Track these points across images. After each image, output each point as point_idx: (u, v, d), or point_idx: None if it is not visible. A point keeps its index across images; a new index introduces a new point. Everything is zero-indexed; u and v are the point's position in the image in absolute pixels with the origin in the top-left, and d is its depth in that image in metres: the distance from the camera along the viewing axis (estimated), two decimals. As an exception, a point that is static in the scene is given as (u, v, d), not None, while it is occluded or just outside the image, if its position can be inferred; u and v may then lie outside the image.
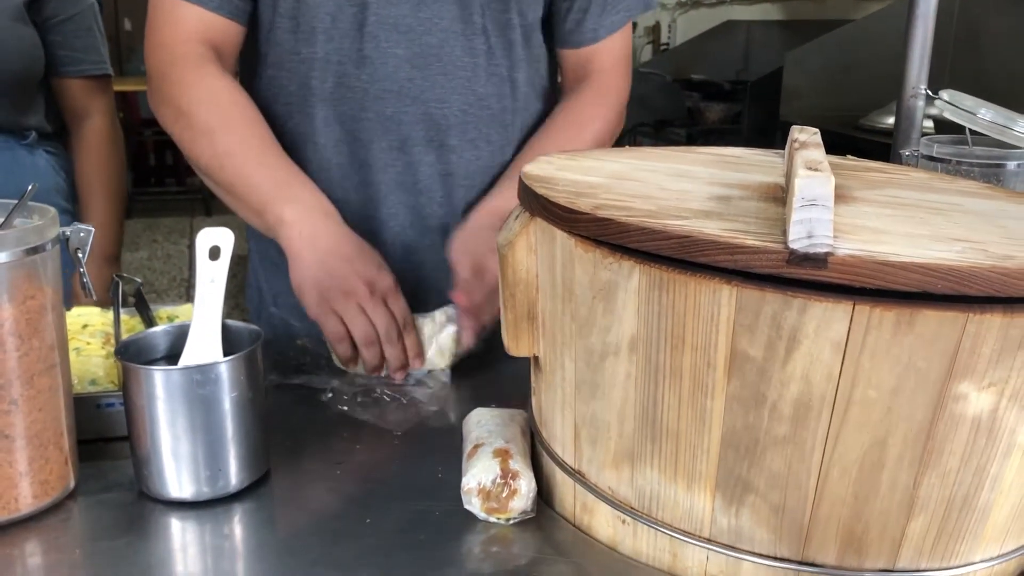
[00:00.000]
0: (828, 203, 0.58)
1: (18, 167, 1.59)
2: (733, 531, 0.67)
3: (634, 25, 5.01)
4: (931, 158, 1.16)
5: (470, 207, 1.24)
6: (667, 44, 5.17)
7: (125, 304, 1.00)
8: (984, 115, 1.15)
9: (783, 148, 0.85)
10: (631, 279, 0.65)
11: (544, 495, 0.80)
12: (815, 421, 0.61)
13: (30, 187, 0.76)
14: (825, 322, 0.59)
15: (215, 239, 0.82)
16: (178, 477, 0.78)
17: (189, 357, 0.82)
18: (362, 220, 1.26)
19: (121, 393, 0.80)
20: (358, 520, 0.77)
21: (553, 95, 1.33)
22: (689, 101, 3.91)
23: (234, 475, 0.80)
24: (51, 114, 1.68)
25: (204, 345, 0.82)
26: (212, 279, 0.82)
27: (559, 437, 0.78)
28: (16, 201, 0.77)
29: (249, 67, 1.27)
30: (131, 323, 1.02)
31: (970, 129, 1.17)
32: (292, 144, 1.25)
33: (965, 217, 0.72)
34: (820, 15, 4.08)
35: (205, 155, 1.13)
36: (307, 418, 0.98)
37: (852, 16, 3.64)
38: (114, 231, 1.72)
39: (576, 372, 0.73)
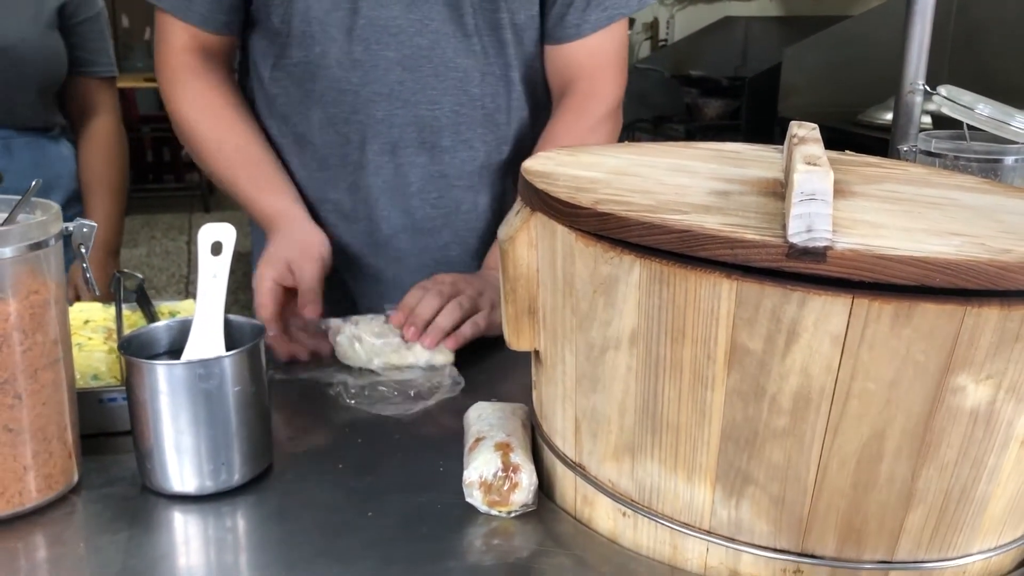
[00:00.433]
0: (827, 197, 0.59)
1: (47, 159, 1.68)
2: (733, 523, 0.68)
3: (632, 21, 4.97)
4: (929, 153, 1.17)
5: (464, 208, 1.25)
6: (665, 40, 5.17)
7: (127, 300, 1.01)
8: (982, 110, 1.15)
9: (782, 144, 0.85)
10: (631, 273, 0.65)
11: (545, 488, 0.81)
12: (814, 414, 0.62)
13: (33, 183, 0.76)
14: (824, 315, 0.59)
15: (217, 235, 0.83)
16: (181, 471, 0.79)
17: (192, 352, 0.83)
18: (356, 222, 1.27)
19: (124, 388, 0.81)
20: (360, 513, 0.78)
21: (549, 93, 1.33)
22: (687, 97, 3.91)
23: (237, 469, 0.80)
24: (63, 109, 1.76)
25: (207, 340, 0.83)
26: (214, 274, 0.83)
27: (560, 430, 0.78)
28: (19, 197, 0.77)
29: (247, 70, 1.28)
30: (133, 319, 1.02)
31: (968, 124, 1.18)
32: (290, 145, 1.26)
33: (963, 212, 0.72)
34: (818, 11, 4.09)
35: (208, 170, 1.24)
36: (309, 412, 0.99)
37: (850, 12, 3.64)
38: (118, 225, 1.79)
39: (577, 366, 0.73)
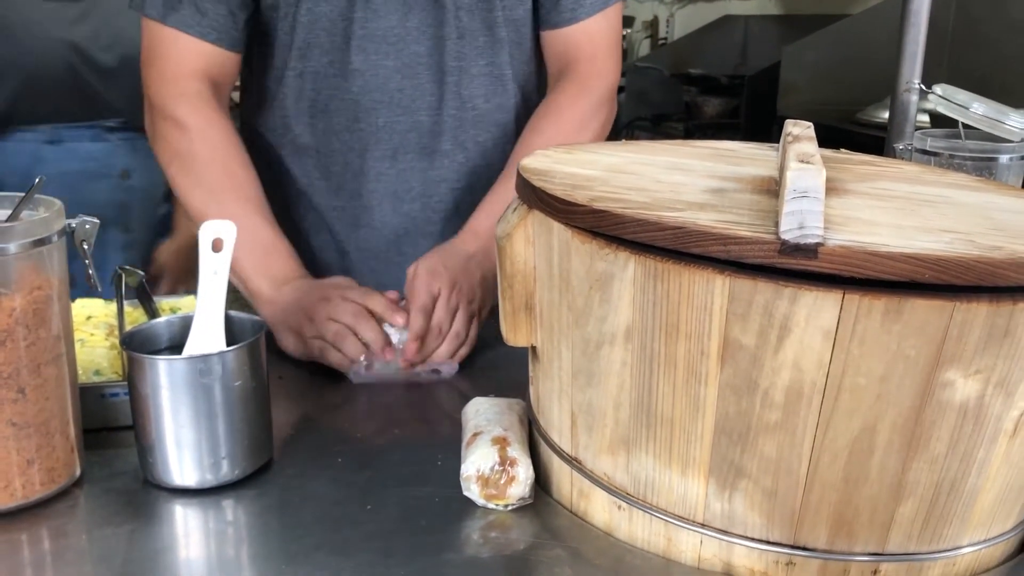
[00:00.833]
0: (819, 195, 0.60)
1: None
2: (726, 516, 0.69)
3: (632, 20, 4.96)
4: (924, 152, 1.18)
5: (463, 209, 1.26)
6: (665, 39, 5.18)
7: (128, 296, 1.02)
8: (976, 109, 1.16)
9: (780, 142, 0.86)
10: (627, 269, 0.66)
11: (542, 482, 0.82)
12: (806, 408, 0.63)
13: (37, 180, 0.77)
14: (816, 311, 0.60)
15: (218, 231, 0.83)
16: (182, 465, 0.80)
17: (193, 347, 0.84)
18: (357, 228, 1.28)
19: (126, 383, 0.81)
20: (359, 506, 0.78)
21: (542, 92, 1.33)
22: (687, 95, 3.91)
23: (237, 463, 0.81)
24: None
25: (207, 335, 0.84)
26: (215, 271, 0.84)
27: (556, 425, 0.79)
28: (23, 194, 0.78)
29: (251, 83, 1.29)
30: (134, 315, 1.03)
31: (963, 123, 1.19)
32: (292, 155, 1.27)
33: (954, 209, 0.73)
34: (817, 10, 4.09)
35: (195, 207, 1.16)
36: (309, 407, 1.00)
37: (849, 11, 3.64)
38: None
39: (573, 361, 0.74)
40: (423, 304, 1.03)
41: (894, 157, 1.23)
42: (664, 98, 4.03)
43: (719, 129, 3.68)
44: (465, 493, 0.78)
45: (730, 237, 0.61)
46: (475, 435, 0.81)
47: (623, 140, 1.05)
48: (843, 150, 0.98)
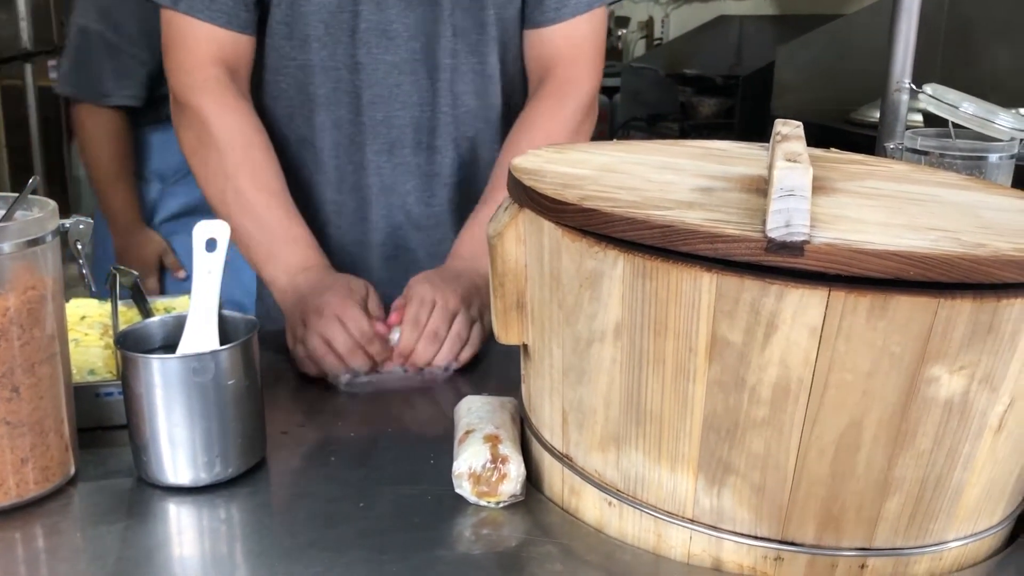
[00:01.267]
0: (806, 193, 0.60)
1: None
2: (715, 512, 0.69)
3: (627, 20, 4.96)
4: (915, 151, 1.18)
5: (452, 202, 1.26)
6: (660, 39, 5.19)
7: (122, 296, 1.02)
8: (966, 108, 1.17)
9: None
10: (616, 267, 0.67)
11: (533, 479, 0.82)
12: (793, 404, 0.63)
13: (31, 180, 0.78)
14: (802, 308, 0.61)
15: (211, 231, 0.84)
16: (176, 463, 0.80)
17: (186, 346, 0.84)
18: (356, 222, 1.29)
19: (120, 382, 0.82)
20: (352, 504, 0.79)
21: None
22: (682, 96, 3.91)
23: (231, 461, 0.82)
24: None
25: (201, 334, 0.84)
26: (209, 270, 0.84)
27: (547, 422, 0.80)
28: (17, 194, 0.79)
29: (252, 72, 1.29)
30: (128, 315, 1.03)
31: (953, 122, 1.19)
32: (294, 147, 1.27)
33: (942, 208, 0.74)
34: (812, 10, 4.10)
35: (214, 196, 1.17)
36: (302, 406, 1.00)
37: (843, 11, 3.65)
38: None
39: (563, 359, 0.75)
40: (415, 316, 1.04)
41: (885, 156, 1.24)
42: (659, 98, 4.04)
43: (714, 129, 3.68)
44: (457, 491, 0.79)
45: (717, 235, 0.62)
46: (467, 433, 0.82)
47: (616, 140, 1.06)
48: (833, 149, 0.99)
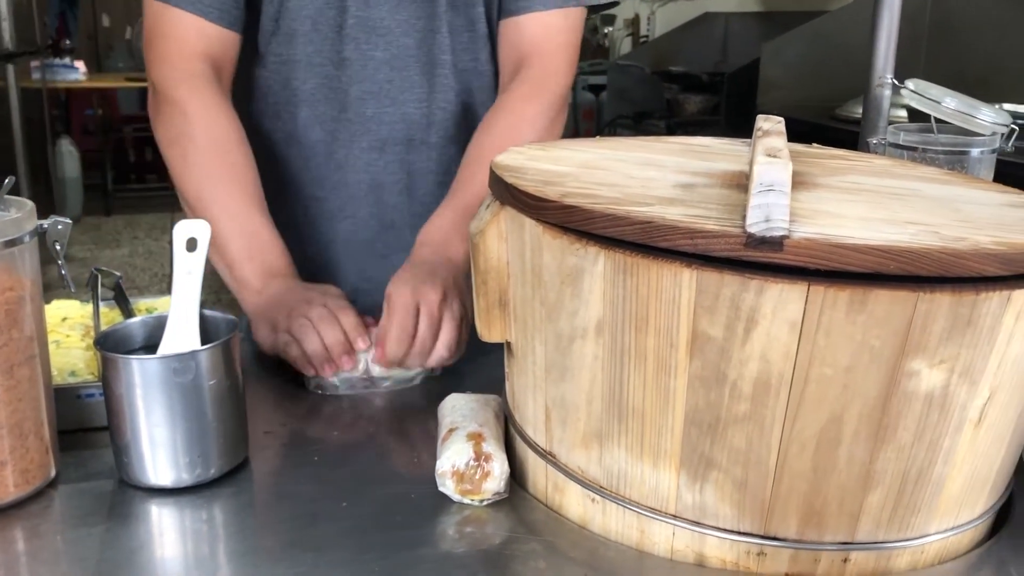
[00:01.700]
0: (785, 188, 0.61)
1: None
2: (698, 507, 0.69)
3: (613, 18, 4.97)
4: (897, 146, 1.19)
5: (434, 200, 1.25)
6: (646, 36, 5.20)
7: (104, 297, 1.01)
8: (948, 104, 1.17)
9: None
10: (597, 264, 0.67)
11: (517, 476, 0.82)
12: (774, 399, 0.63)
13: (6, 180, 0.77)
14: (781, 303, 0.61)
15: (192, 231, 0.83)
16: (157, 465, 0.80)
17: (167, 347, 0.84)
18: (341, 220, 1.28)
19: (101, 384, 0.81)
20: (335, 503, 0.79)
21: None
22: (668, 93, 3.93)
23: (212, 462, 0.81)
24: None
25: (182, 335, 0.84)
26: (189, 271, 0.84)
27: (531, 419, 0.80)
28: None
29: (238, 68, 1.28)
30: (110, 316, 1.03)
31: (935, 117, 1.19)
32: (278, 143, 1.26)
33: (922, 202, 0.74)
34: (797, 6, 4.11)
35: (190, 192, 1.14)
36: (284, 406, 1.00)
37: (828, 7, 3.66)
38: None
39: (546, 356, 0.75)
40: (402, 324, 1.01)
41: (867, 151, 1.24)
42: (645, 96, 4.05)
43: (700, 126, 3.69)
44: (440, 489, 0.79)
45: (697, 231, 0.62)
46: (450, 431, 0.82)
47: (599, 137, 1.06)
48: (815, 145, 0.99)
